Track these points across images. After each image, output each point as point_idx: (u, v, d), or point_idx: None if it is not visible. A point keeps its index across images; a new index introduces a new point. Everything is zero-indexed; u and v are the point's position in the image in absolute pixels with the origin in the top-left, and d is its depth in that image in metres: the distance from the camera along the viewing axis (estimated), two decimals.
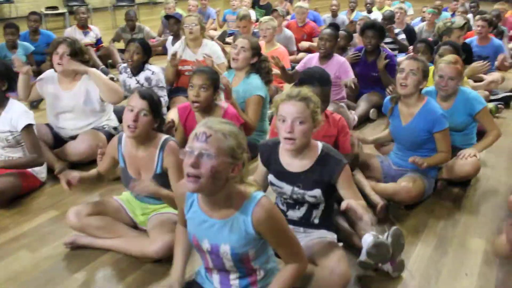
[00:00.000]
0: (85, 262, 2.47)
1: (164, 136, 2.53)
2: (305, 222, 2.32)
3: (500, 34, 6.34)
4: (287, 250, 1.83)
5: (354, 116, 4.36)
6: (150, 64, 4.23)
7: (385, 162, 3.24)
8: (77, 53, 3.47)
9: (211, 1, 8.77)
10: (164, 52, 6.55)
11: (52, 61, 3.47)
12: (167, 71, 4.56)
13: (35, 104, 4.77)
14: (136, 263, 2.45)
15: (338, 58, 4.49)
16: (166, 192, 2.37)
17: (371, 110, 4.60)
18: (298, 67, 4.72)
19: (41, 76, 3.65)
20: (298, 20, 6.92)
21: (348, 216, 2.54)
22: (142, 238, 2.53)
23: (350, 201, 2.00)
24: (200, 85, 2.96)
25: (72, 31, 6.54)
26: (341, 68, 4.38)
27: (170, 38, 5.57)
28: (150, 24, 7.98)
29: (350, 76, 4.37)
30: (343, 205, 1.98)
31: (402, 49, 6.20)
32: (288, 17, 8.08)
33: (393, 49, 5.73)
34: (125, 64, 4.29)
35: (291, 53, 5.98)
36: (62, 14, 10.33)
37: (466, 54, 4.42)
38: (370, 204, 2.80)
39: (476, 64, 4.46)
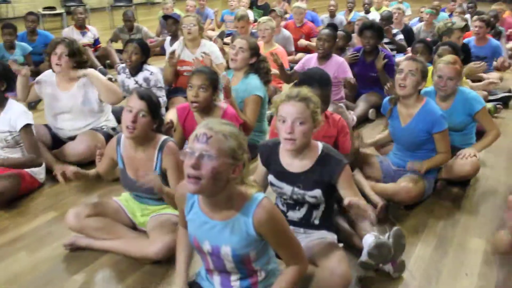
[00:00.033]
0: (84, 263, 2.46)
1: (163, 137, 2.52)
2: (305, 223, 2.31)
3: (497, 35, 6.36)
4: (288, 251, 1.82)
5: (353, 116, 4.36)
6: (149, 64, 4.22)
7: (385, 162, 3.24)
8: (76, 53, 3.46)
9: (208, 1, 8.75)
10: (162, 52, 6.54)
11: (51, 62, 3.46)
12: (165, 71, 4.55)
13: (33, 105, 4.75)
14: (136, 264, 2.44)
15: (336, 58, 4.49)
16: (168, 190, 2.35)
17: (370, 111, 4.60)
18: (297, 67, 4.72)
19: (39, 77, 3.64)
20: (296, 20, 6.92)
21: (348, 217, 2.54)
22: (142, 239, 2.53)
23: (352, 198, 2.00)
24: (199, 85, 2.95)
25: (70, 32, 6.52)
26: (339, 68, 4.38)
27: (168, 38, 5.55)
28: (148, 25, 7.98)
29: (348, 76, 4.37)
30: (346, 201, 1.98)
31: (400, 50, 6.20)
32: (287, 15, 8.07)
33: (391, 49, 5.73)
34: (123, 65, 4.27)
35: (289, 54, 5.97)
36: (60, 14, 10.30)
37: (464, 54, 4.42)
38: (370, 204, 2.78)
39: (472, 65, 4.46)
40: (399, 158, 3.19)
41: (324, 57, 4.45)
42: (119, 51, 6.53)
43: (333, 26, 5.44)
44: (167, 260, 2.39)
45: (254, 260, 1.79)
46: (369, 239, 2.28)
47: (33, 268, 2.44)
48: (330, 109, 3.22)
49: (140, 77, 4.12)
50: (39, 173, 3.22)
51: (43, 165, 3.26)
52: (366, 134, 4.03)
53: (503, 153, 3.80)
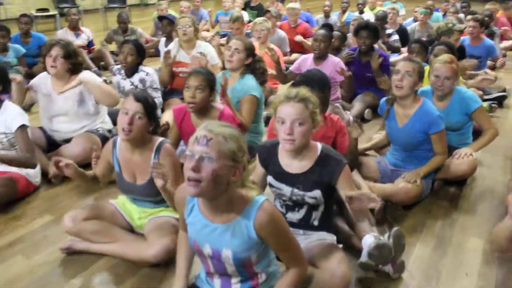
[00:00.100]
0: (81, 267, 2.44)
1: (159, 139, 2.50)
2: (304, 224, 2.30)
3: (491, 35, 6.39)
4: (289, 253, 1.82)
5: (349, 116, 4.34)
6: (144, 65, 4.20)
7: (382, 162, 3.24)
8: (71, 55, 3.44)
9: (202, 2, 8.73)
10: (157, 53, 6.50)
11: (46, 64, 3.43)
12: (161, 72, 4.53)
13: (27, 107, 4.70)
14: (134, 267, 2.41)
15: (332, 58, 4.49)
16: (171, 189, 2.30)
17: (366, 111, 4.60)
18: (293, 68, 4.72)
19: (32, 82, 3.60)
20: (291, 21, 6.92)
21: (348, 218, 2.53)
22: (140, 242, 2.50)
23: (352, 191, 2.00)
24: (196, 86, 2.94)
25: (64, 33, 6.49)
26: (336, 68, 4.37)
27: (163, 39, 5.54)
28: (142, 26, 7.95)
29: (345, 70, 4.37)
30: (348, 194, 1.97)
31: (394, 50, 6.21)
32: (283, 13, 8.06)
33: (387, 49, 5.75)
34: (118, 66, 4.25)
35: (284, 54, 5.97)
36: (53, 16, 10.24)
37: (459, 54, 4.43)
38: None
39: (464, 62, 4.47)
40: (396, 158, 3.19)
41: (320, 57, 4.45)
42: (114, 53, 6.52)
43: (328, 27, 5.43)
44: (165, 263, 2.37)
45: (255, 263, 1.78)
46: (368, 240, 2.27)
47: (30, 272, 2.41)
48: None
49: (135, 78, 4.10)
50: (34, 176, 3.19)
51: (39, 168, 3.23)
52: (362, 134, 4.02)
53: (499, 152, 3.81)
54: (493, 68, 6.00)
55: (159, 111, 4.13)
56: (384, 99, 3.25)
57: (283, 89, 5.07)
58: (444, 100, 3.29)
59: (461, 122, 3.30)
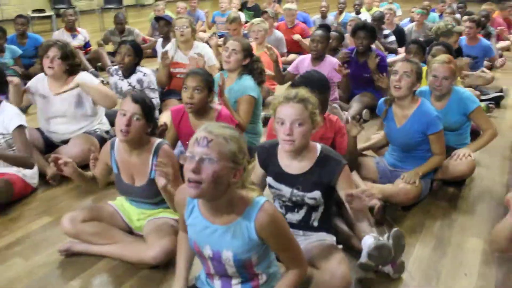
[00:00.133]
0: (80, 269, 2.43)
1: (157, 140, 2.50)
2: (304, 225, 2.30)
3: (488, 35, 6.41)
4: (289, 254, 1.81)
5: (347, 117, 4.35)
6: (142, 66, 4.19)
7: (381, 163, 3.24)
8: (68, 56, 3.42)
9: (198, 3, 8.71)
10: (154, 54, 6.52)
11: (43, 65, 3.42)
12: (159, 73, 4.52)
13: (23, 109, 4.68)
14: (133, 269, 2.40)
15: (330, 59, 4.49)
16: (171, 190, 2.27)
17: (364, 111, 4.60)
18: (290, 68, 4.72)
19: (29, 84, 3.58)
20: (288, 22, 6.92)
21: (347, 218, 2.53)
22: (139, 243, 2.49)
23: (352, 190, 2.00)
24: (194, 86, 2.93)
25: (60, 34, 6.47)
26: (333, 68, 4.37)
27: (160, 40, 5.53)
28: (138, 27, 7.92)
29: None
30: (348, 193, 1.97)
31: (391, 51, 6.22)
32: (280, 12, 8.06)
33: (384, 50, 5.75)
34: (116, 67, 4.24)
35: (281, 55, 5.97)
36: (49, 17, 10.21)
37: (457, 55, 4.44)
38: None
39: (458, 62, 4.46)
40: (395, 159, 3.19)
41: (318, 58, 4.45)
42: (110, 54, 6.51)
43: (326, 27, 5.43)
44: (164, 265, 2.36)
45: (255, 264, 1.77)
46: (368, 241, 2.27)
47: (29, 274, 2.40)
48: None
49: (133, 79, 4.08)
50: (32, 177, 3.17)
51: (36, 169, 3.22)
52: (360, 135, 4.01)
53: (497, 153, 3.82)
54: (490, 68, 6.02)
55: (156, 112, 4.13)
56: (382, 99, 3.26)
57: (280, 89, 5.08)
58: (442, 100, 3.30)
59: (459, 122, 3.31)
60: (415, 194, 2.93)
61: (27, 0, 11.05)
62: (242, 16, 7.40)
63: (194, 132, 3.05)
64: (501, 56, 6.47)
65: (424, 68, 3.71)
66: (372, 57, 4.57)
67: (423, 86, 3.40)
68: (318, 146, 2.21)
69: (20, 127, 3.02)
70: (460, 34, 4.95)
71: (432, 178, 3.15)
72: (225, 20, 6.34)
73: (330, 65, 4.40)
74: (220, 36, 7.27)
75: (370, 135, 3.90)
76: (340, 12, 8.23)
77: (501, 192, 3.21)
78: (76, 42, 6.41)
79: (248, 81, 3.56)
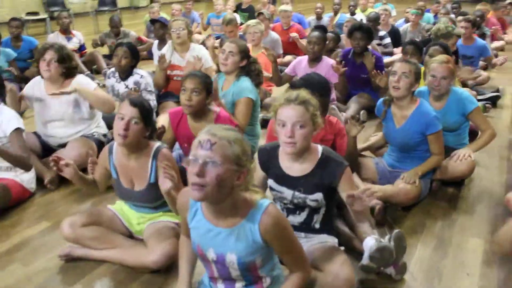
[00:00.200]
0: (80, 274, 2.40)
1: (156, 144, 2.48)
2: (306, 227, 2.29)
3: (483, 36, 6.44)
4: (293, 257, 1.81)
5: (346, 117, 4.35)
6: (138, 68, 4.17)
7: (380, 163, 3.24)
8: (65, 59, 3.40)
9: (193, 5, 8.70)
10: (149, 56, 6.48)
11: (39, 68, 3.39)
12: (156, 76, 4.50)
13: (20, 113, 4.65)
14: (134, 274, 2.39)
15: (327, 60, 4.49)
16: (175, 195, 2.25)
17: (361, 112, 4.59)
18: (288, 70, 4.72)
19: (26, 89, 3.56)
20: (284, 23, 6.90)
21: (348, 220, 2.52)
22: (139, 247, 2.47)
23: (352, 191, 2.00)
24: (192, 89, 2.91)
25: (55, 37, 6.44)
26: (330, 70, 4.36)
27: (156, 42, 5.50)
28: (133, 29, 7.87)
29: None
30: (349, 194, 1.97)
31: (386, 53, 6.23)
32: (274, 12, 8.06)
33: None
34: (113, 69, 4.21)
35: (277, 56, 5.95)
36: (43, 19, 10.16)
37: (453, 55, 4.45)
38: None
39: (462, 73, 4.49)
40: (394, 159, 3.19)
41: (315, 59, 4.45)
42: (106, 56, 6.48)
43: (322, 28, 5.43)
44: (166, 269, 2.35)
45: (259, 267, 1.76)
46: (370, 242, 2.26)
47: (28, 280, 2.38)
48: None
49: (130, 81, 4.07)
50: (29, 182, 3.15)
51: (34, 174, 3.20)
52: (358, 136, 4.01)
53: (495, 153, 3.82)
54: (485, 68, 6.04)
55: (153, 115, 4.11)
56: (381, 100, 3.26)
57: (277, 91, 5.08)
58: (440, 100, 3.30)
59: (458, 122, 3.31)
60: (415, 194, 2.93)
61: (21, 3, 11.00)
62: (237, 18, 7.39)
63: (192, 135, 3.07)
64: (496, 56, 6.49)
65: (422, 68, 3.71)
66: (369, 57, 4.57)
67: (422, 87, 3.40)
68: (320, 148, 2.20)
69: (18, 130, 3.00)
70: (459, 36, 4.96)
71: (431, 178, 3.15)
72: (221, 22, 6.33)
73: (327, 66, 4.39)
74: (216, 38, 7.27)
75: (368, 136, 3.90)
76: (335, 13, 8.23)
77: (500, 192, 3.22)
78: (71, 45, 6.37)
79: (246, 82, 3.55)
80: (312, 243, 2.25)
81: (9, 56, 5.58)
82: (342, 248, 2.28)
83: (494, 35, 7.30)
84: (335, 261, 2.12)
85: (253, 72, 3.64)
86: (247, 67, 3.62)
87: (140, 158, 2.44)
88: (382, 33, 6.37)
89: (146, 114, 2.39)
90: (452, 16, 7.39)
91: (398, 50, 6.25)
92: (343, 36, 5.94)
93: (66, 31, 6.57)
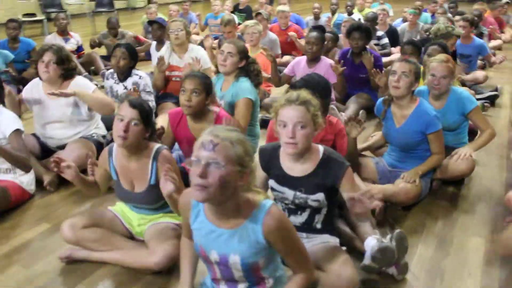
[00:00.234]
0: (82, 276, 2.39)
1: (156, 145, 2.47)
2: (307, 227, 2.29)
3: (480, 35, 6.45)
4: (296, 258, 1.80)
5: (344, 118, 4.35)
6: (137, 69, 4.16)
7: (380, 163, 3.24)
8: (64, 60, 3.38)
9: (191, 6, 8.69)
10: (147, 57, 6.47)
11: (38, 69, 3.38)
12: (155, 77, 4.49)
13: (19, 116, 4.63)
14: (135, 275, 2.37)
15: (325, 60, 4.49)
16: (176, 197, 2.23)
17: (360, 112, 4.59)
18: (287, 70, 4.72)
19: (24, 93, 3.54)
20: (282, 24, 6.90)
21: (349, 220, 2.52)
22: (141, 249, 2.46)
23: (353, 193, 1.99)
24: (191, 89, 2.91)
25: (53, 39, 6.42)
26: (329, 70, 4.37)
27: (154, 43, 5.49)
28: (130, 30, 7.87)
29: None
30: (350, 196, 1.97)
31: (384, 54, 6.24)
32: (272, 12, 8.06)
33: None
34: (111, 70, 4.20)
35: (276, 56, 5.94)
36: (40, 21, 10.13)
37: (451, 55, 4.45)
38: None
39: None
40: (394, 159, 3.19)
41: (313, 60, 4.45)
42: (104, 57, 6.46)
43: (320, 28, 5.43)
44: (167, 270, 2.34)
45: (262, 268, 1.76)
46: (371, 242, 2.26)
47: (29, 283, 2.36)
48: None
49: (129, 82, 4.06)
50: (29, 184, 3.14)
51: (33, 176, 3.18)
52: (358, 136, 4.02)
53: (494, 152, 3.83)
54: (483, 67, 6.05)
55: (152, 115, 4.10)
56: (381, 99, 3.26)
57: (275, 91, 5.08)
58: (440, 99, 3.30)
59: (457, 122, 3.31)
60: (415, 193, 2.93)
61: (17, 4, 10.96)
62: (235, 19, 7.39)
63: (192, 135, 3.06)
64: (494, 55, 6.50)
65: (421, 68, 3.72)
66: (367, 57, 4.57)
67: (421, 86, 3.41)
68: (321, 148, 2.20)
69: (17, 131, 2.99)
70: (458, 36, 4.97)
71: (431, 177, 3.15)
72: (219, 23, 6.32)
73: (326, 66, 4.39)
74: (214, 39, 7.26)
75: (367, 136, 3.90)
76: (333, 13, 8.23)
77: (500, 191, 3.22)
78: (68, 46, 6.34)
79: (245, 83, 3.54)
80: (314, 243, 2.24)
81: (6, 58, 5.56)
82: (344, 248, 2.28)
83: (491, 34, 7.31)
84: (337, 261, 2.12)
85: (252, 72, 3.63)
86: (246, 67, 3.61)
87: (140, 160, 2.43)
88: (380, 33, 6.38)
89: (145, 115, 2.38)
90: (450, 15, 7.41)
91: (396, 50, 6.27)
92: (341, 36, 5.94)
93: (63, 33, 6.55)
